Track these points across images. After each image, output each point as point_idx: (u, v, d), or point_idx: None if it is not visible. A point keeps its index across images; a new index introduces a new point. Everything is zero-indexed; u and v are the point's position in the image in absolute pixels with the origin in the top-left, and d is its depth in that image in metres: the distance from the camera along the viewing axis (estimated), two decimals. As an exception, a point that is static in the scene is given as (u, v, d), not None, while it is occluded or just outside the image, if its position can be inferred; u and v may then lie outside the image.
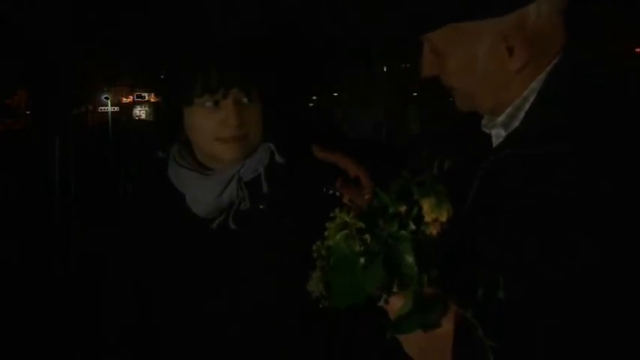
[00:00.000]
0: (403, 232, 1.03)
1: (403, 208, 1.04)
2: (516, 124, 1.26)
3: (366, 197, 1.14)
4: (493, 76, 1.24)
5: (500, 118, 1.27)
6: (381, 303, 1.08)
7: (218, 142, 1.54)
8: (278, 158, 1.57)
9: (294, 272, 1.57)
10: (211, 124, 1.53)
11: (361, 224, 1.04)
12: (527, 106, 1.25)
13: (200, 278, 1.57)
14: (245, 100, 1.52)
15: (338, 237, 1.05)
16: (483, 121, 1.34)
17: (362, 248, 1.03)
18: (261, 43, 1.58)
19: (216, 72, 1.49)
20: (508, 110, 1.26)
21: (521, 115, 1.25)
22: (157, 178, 1.63)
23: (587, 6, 1.31)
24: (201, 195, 1.56)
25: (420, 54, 1.32)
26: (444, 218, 1.04)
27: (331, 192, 1.12)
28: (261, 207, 1.56)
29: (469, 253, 1.14)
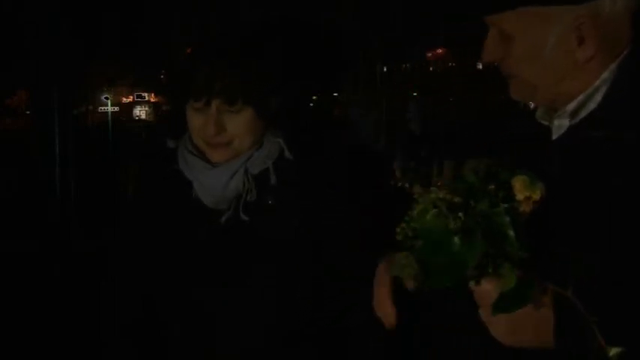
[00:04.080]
0: (502, 206, 1.03)
1: (492, 187, 1.04)
2: (584, 113, 1.25)
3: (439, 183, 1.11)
4: (559, 65, 1.23)
5: (571, 106, 1.25)
6: (471, 284, 1.07)
7: (203, 142, 1.57)
8: (287, 154, 1.58)
9: (296, 271, 1.58)
10: (196, 124, 1.55)
11: (458, 199, 1.03)
12: (597, 96, 1.24)
13: (204, 270, 1.58)
14: (229, 109, 1.52)
15: (429, 216, 1.04)
16: (538, 113, 1.33)
17: (456, 225, 1.02)
18: (261, 41, 1.58)
19: (203, 79, 1.50)
20: (579, 98, 1.24)
21: (591, 105, 1.24)
22: (166, 168, 1.63)
23: None
24: (209, 183, 1.57)
25: (484, 38, 1.30)
26: (537, 196, 1.05)
27: (394, 183, 1.11)
28: (270, 202, 1.56)
29: (559, 232, 1.13)
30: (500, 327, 1.11)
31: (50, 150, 5.22)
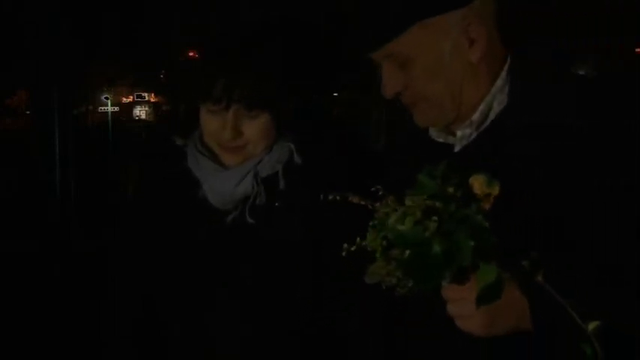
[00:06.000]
0: (472, 206, 1.08)
1: (451, 189, 1.09)
2: (487, 122, 1.30)
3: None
4: (458, 72, 1.28)
5: (475, 117, 1.30)
6: (445, 282, 1.12)
7: (216, 145, 1.56)
8: (297, 159, 1.58)
9: (301, 273, 1.59)
10: (211, 127, 1.55)
11: (439, 203, 1.06)
12: (495, 104, 1.30)
13: (206, 269, 1.58)
14: (247, 114, 1.52)
15: (407, 223, 1.06)
16: (433, 132, 1.36)
17: (434, 229, 1.05)
18: (279, 45, 1.57)
19: (223, 83, 1.50)
20: (481, 108, 1.30)
21: (491, 114, 1.30)
22: (173, 166, 1.63)
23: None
24: (218, 186, 1.57)
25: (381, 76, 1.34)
26: (496, 192, 1.09)
27: (336, 197, 1.14)
28: (276, 204, 1.56)
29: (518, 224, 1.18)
30: (477, 320, 1.16)
31: (50, 150, 5.22)
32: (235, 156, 1.57)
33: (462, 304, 1.16)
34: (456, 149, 1.33)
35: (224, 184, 1.57)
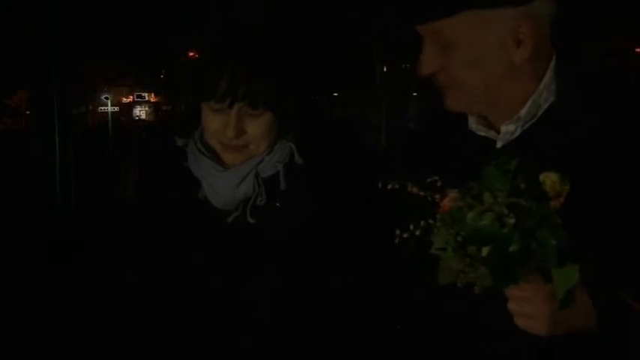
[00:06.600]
0: (545, 204, 1.05)
1: (522, 186, 1.06)
2: (535, 118, 1.28)
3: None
4: (499, 68, 1.26)
5: (523, 113, 1.29)
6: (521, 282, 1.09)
7: (218, 144, 1.56)
8: (297, 159, 1.58)
9: (301, 272, 1.59)
10: (214, 126, 1.54)
11: (523, 201, 1.04)
12: (541, 100, 1.28)
13: (207, 268, 1.58)
14: (250, 112, 1.52)
15: (486, 219, 1.04)
16: (473, 125, 1.34)
17: (510, 226, 1.03)
18: (282, 43, 1.57)
19: (227, 81, 1.49)
20: (528, 104, 1.28)
21: (539, 112, 1.28)
22: (174, 165, 1.63)
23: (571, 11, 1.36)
24: (219, 186, 1.57)
25: (420, 51, 1.31)
26: (567, 191, 1.07)
27: (395, 186, 1.12)
28: (277, 204, 1.56)
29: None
30: (540, 320, 1.13)
31: (50, 150, 5.22)
32: (237, 155, 1.57)
33: (525, 303, 1.14)
34: (499, 145, 1.31)
35: (224, 185, 1.56)
